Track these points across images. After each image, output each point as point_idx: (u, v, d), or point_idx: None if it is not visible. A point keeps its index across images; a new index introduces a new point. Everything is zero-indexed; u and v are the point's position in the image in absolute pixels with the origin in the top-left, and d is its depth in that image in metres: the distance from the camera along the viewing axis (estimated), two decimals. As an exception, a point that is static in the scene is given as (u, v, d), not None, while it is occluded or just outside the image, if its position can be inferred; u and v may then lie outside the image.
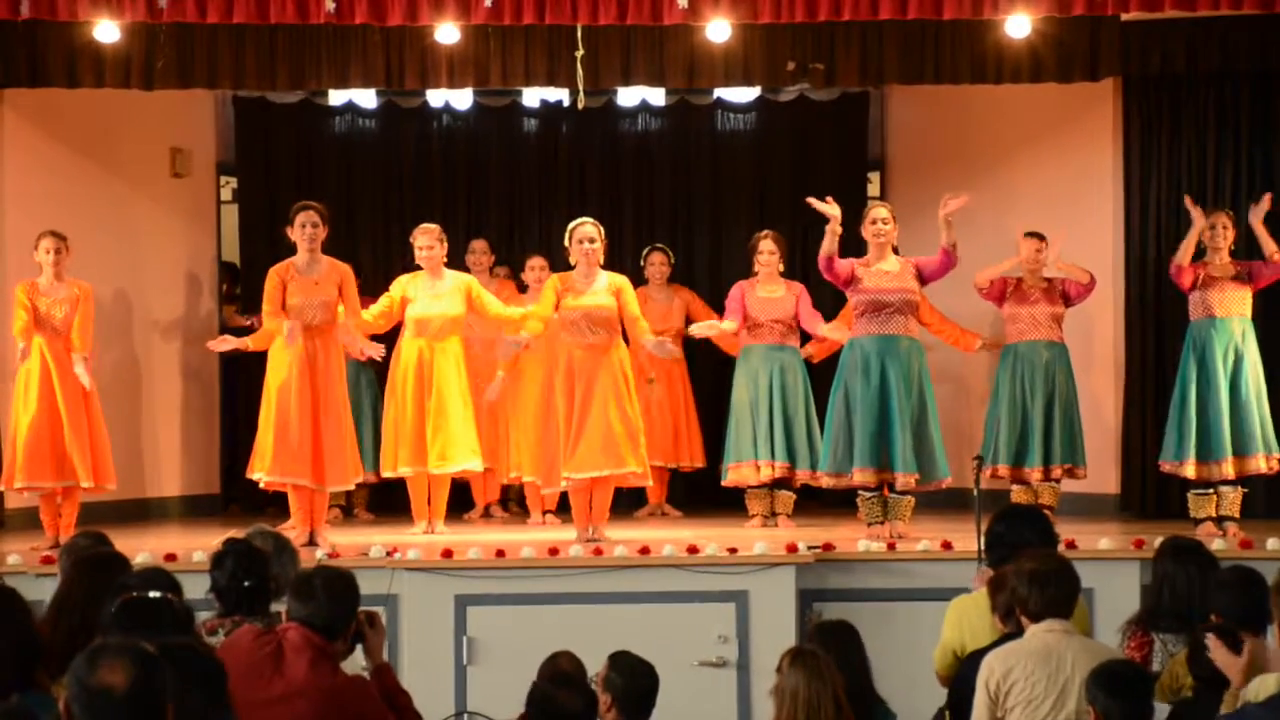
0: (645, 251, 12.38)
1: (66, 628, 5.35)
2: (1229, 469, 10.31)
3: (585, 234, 10.25)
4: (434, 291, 10.84)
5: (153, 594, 4.83)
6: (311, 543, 9.89)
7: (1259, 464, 10.36)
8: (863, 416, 10.11)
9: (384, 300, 10.89)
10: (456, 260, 11.93)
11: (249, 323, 12.11)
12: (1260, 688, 4.94)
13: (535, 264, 11.79)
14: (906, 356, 10.22)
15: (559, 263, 13.09)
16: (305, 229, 10.16)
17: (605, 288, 10.20)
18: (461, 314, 10.87)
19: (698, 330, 11.29)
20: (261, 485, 10.33)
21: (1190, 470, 10.42)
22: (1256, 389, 10.40)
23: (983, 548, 6.99)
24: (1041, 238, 11.02)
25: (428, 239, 10.91)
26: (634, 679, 5.69)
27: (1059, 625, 5.82)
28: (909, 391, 10.16)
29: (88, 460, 10.30)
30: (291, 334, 9.99)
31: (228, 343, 10.53)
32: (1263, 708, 4.20)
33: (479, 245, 12.33)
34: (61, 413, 10.27)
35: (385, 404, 10.99)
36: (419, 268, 10.96)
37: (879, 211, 10.37)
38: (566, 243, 10.30)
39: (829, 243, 10.21)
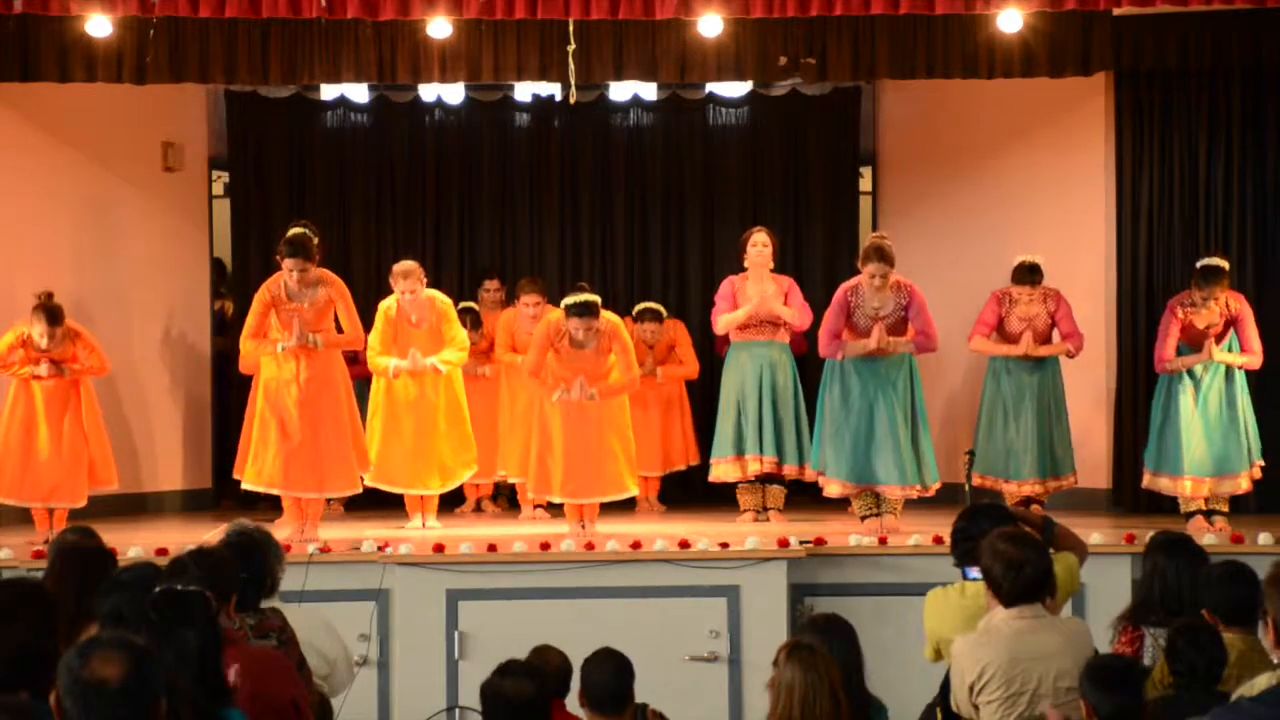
0: (636, 311, 12.20)
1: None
2: (1185, 487, 10.38)
3: (582, 324, 10.04)
4: (414, 330, 10.81)
5: (190, 588, 4.82)
6: (303, 538, 9.90)
7: (1240, 484, 10.44)
8: (851, 429, 10.13)
9: (382, 333, 10.81)
10: (451, 261, 12.00)
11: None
12: (1255, 683, 4.94)
13: (529, 301, 11.58)
14: (896, 365, 10.22)
15: (551, 260, 13.15)
16: (293, 274, 9.99)
17: (599, 349, 10.20)
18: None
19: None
20: (243, 488, 10.36)
21: (1146, 480, 10.57)
22: (1241, 405, 10.44)
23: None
24: (1035, 276, 10.81)
25: (410, 282, 10.79)
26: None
27: (1030, 611, 5.84)
28: (899, 400, 10.15)
29: (78, 477, 10.49)
30: (287, 348, 9.98)
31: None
32: (1256, 702, 4.20)
33: (492, 285, 12.43)
34: (42, 441, 10.40)
35: (370, 420, 10.91)
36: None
37: (878, 267, 10.14)
38: (562, 308, 10.18)
39: (851, 351, 10.16)
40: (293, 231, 10.18)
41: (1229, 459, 10.39)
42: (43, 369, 10.36)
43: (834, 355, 10.29)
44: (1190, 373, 10.41)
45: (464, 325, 11.18)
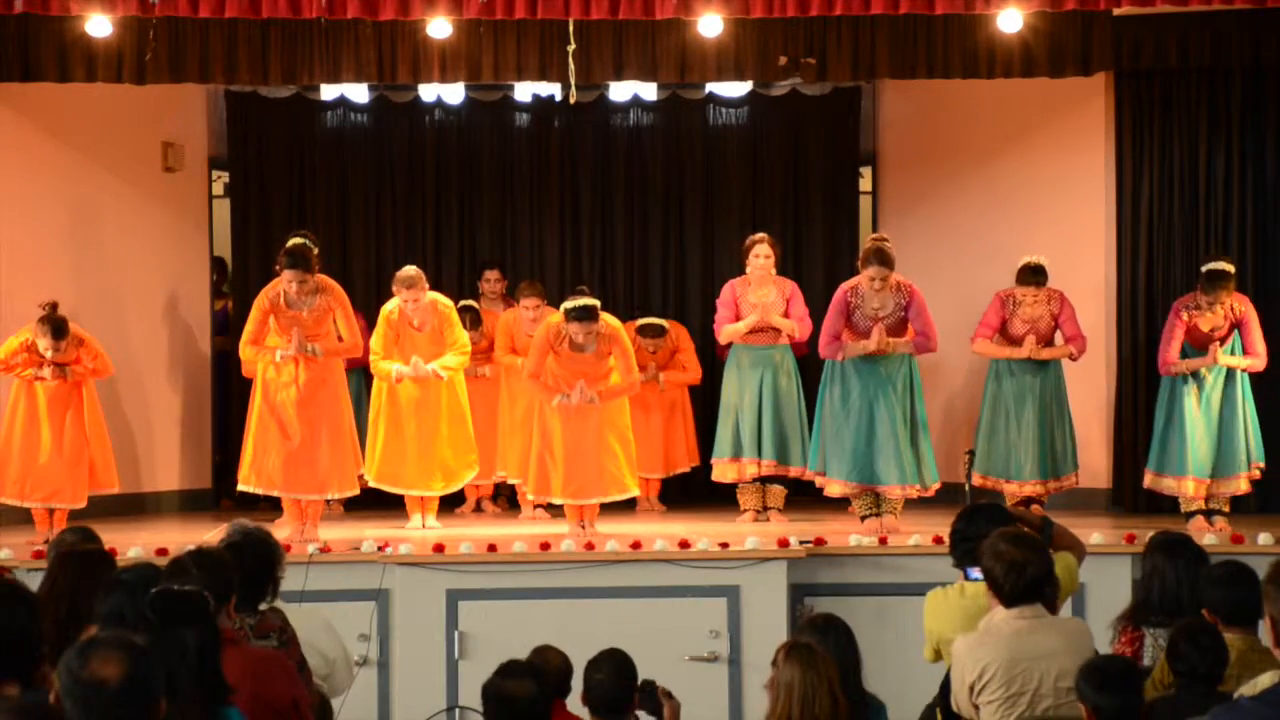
0: (639, 325, 12.12)
1: (51, 621, 5.35)
2: (1188, 487, 10.38)
3: (582, 328, 10.07)
4: (416, 334, 10.80)
5: (188, 588, 4.82)
6: (303, 538, 9.90)
7: (1239, 484, 10.45)
8: (852, 429, 10.13)
9: (384, 336, 10.81)
10: (451, 261, 11.95)
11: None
12: (1258, 682, 4.95)
13: (529, 304, 11.62)
14: (895, 365, 10.23)
15: (551, 260, 13.15)
16: (292, 285, 9.97)
17: (599, 352, 10.22)
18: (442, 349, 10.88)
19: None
20: (239, 489, 10.38)
21: (1148, 480, 10.58)
22: (1248, 404, 10.44)
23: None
24: (1039, 278, 10.77)
25: (413, 292, 10.76)
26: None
27: (1030, 611, 5.84)
28: (899, 401, 10.15)
29: (79, 478, 10.53)
30: (285, 357, 9.98)
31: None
32: (1257, 701, 4.21)
33: (492, 275, 12.42)
34: (45, 442, 10.41)
35: (372, 421, 10.95)
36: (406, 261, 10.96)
37: (878, 270, 10.16)
38: (562, 312, 10.21)
39: (851, 351, 10.17)
40: (292, 242, 10.20)
41: (1229, 460, 10.41)
42: (46, 372, 10.41)
43: (834, 356, 10.29)
44: (1194, 373, 10.42)
45: (463, 324, 11.18)
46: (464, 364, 10.94)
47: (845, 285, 10.41)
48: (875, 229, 12.55)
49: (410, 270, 10.93)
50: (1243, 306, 10.47)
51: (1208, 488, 10.41)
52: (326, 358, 10.05)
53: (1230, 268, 10.37)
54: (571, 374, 10.17)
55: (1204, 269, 10.39)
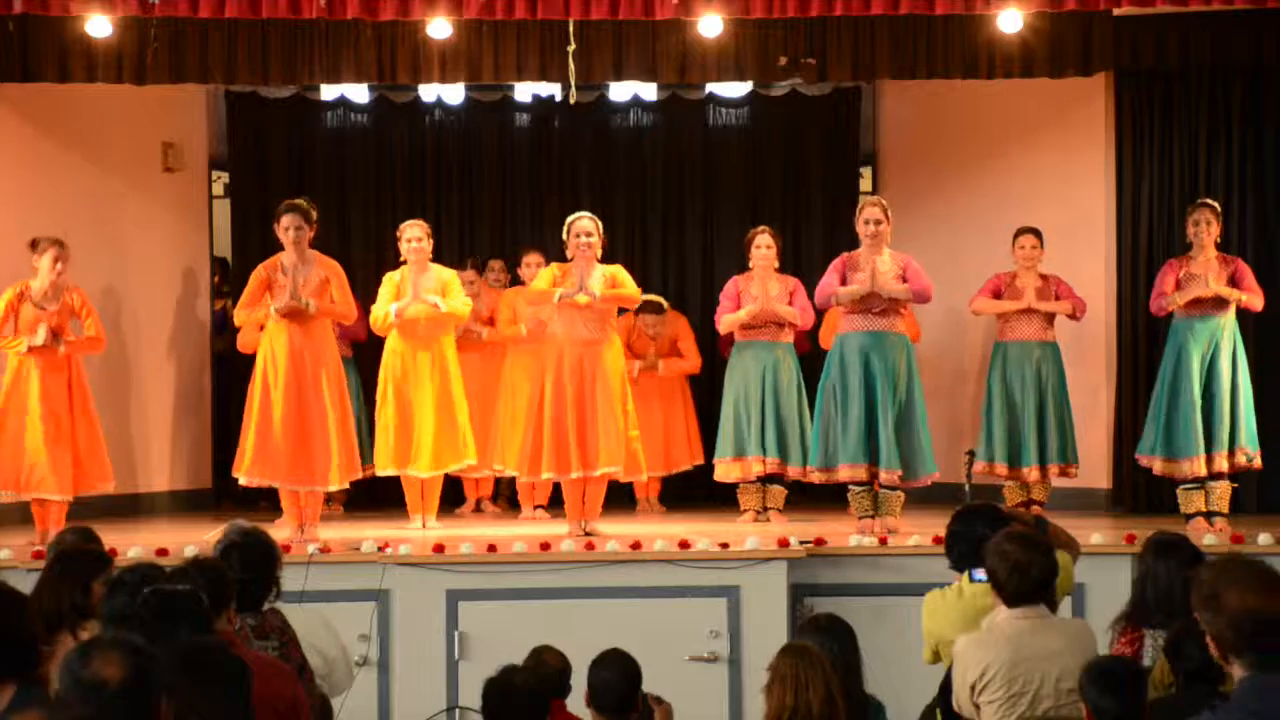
0: (637, 311, 12.13)
1: (41, 618, 5.36)
2: (1200, 467, 10.34)
3: (583, 229, 10.19)
4: (419, 290, 10.81)
5: (181, 587, 4.82)
6: (302, 538, 9.90)
7: (1224, 462, 10.39)
8: (851, 412, 10.11)
9: (387, 297, 10.85)
10: (451, 260, 11.96)
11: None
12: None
13: (531, 260, 11.75)
14: (894, 352, 10.21)
15: (553, 258, 13.15)
16: (289, 232, 10.06)
17: (600, 281, 10.17)
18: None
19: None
20: (240, 484, 10.34)
21: (1158, 466, 10.51)
22: (1240, 386, 10.41)
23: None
24: (1036, 233, 11.00)
25: (417, 231, 10.91)
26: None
27: (1033, 612, 5.85)
28: (896, 387, 10.15)
29: (75, 470, 10.35)
30: (279, 310, 9.99)
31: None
32: (1241, 692, 4.23)
33: (497, 265, 12.50)
34: (34, 432, 10.24)
35: (378, 405, 10.96)
36: (405, 262, 10.96)
37: (873, 211, 10.29)
38: (564, 236, 10.27)
39: (845, 294, 10.17)
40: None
41: (1220, 437, 10.35)
42: (39, 336, 10.16)
43: (827, 303, 10.29)
44: (1192, 356, 10.35)
45: (465, 268, 11.55)
46: (463, 314, 10.97)
47: (842, 255, 10.45)
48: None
49: (416, 220, 11.13)
50: (1234, 263, 10.52)
51: (1205, 464, 10.35)
52: (320, 316, 10.08)
53: (1212, 201, 10.58)
54: (573, 314, 10.10)
55: None
